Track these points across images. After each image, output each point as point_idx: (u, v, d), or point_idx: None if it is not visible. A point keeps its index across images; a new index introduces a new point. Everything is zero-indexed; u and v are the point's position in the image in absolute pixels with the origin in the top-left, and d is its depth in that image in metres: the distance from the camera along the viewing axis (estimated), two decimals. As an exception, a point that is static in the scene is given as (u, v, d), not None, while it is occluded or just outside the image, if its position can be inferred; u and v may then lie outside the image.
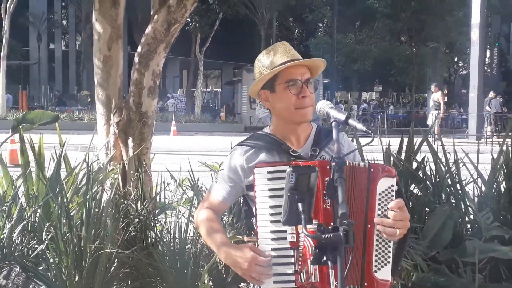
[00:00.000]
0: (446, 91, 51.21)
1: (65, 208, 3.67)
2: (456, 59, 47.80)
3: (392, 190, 2.03)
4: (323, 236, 1.80)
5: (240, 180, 2.22)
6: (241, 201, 3.72)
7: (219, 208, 2.30)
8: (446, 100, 21.94)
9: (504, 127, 22.61)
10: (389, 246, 2.05)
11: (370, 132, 2.13)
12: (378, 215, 2.01)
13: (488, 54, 36.30)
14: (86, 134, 5.14)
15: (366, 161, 2.17)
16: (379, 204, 2.02)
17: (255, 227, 2.10)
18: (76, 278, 3.60)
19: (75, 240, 3.60)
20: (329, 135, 2.30)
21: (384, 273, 2.02)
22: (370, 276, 2.00)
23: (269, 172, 2.05)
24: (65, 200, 3.71)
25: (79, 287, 3.58)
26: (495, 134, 21.71)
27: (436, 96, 21.15)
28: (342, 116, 2.03)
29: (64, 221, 3.68)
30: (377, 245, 2.02)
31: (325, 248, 1.82)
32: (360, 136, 4.44)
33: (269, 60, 2.27)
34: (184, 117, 29.61)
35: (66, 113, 28.44)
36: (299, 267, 1.98)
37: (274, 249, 2.03)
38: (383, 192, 2.03)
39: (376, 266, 2.01)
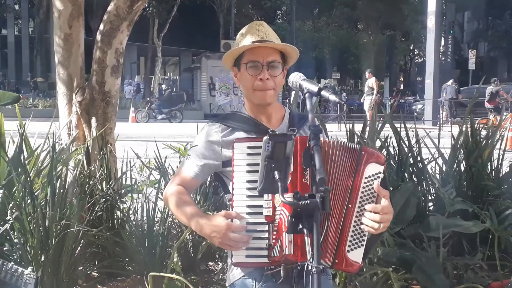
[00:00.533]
0: (402, 79, 52.14)
1: (29, 188, 3.57)
2: (411, 47, 48.57)
3: (379, 177, 2.04)
4: (300, 202, 1.80)
5: (216, 156, 2.20)
6: (209, 179, 3.69)
7: (190, 184, 2.27)
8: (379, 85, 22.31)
9: (459, 113, 23.17)
10: (363, 231, 2.05)
11: (342, 102, 2.17)
12: (361, 197, 2.02)
13: (442, 42, 37.01)
14: (42, 121, 5.00)
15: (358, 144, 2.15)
16: (363, 187, 2.02)
17: (231, 202, 2.09)
18: (42, 258, 3.52)
19: (40, 219, 3.52)
20: (303, 118, 2.33)
21: (356, 255, 2.03)
22: (342, 255, 2.00)
23: (249, 147, 2.04)
24: (28, 179, 3.61)
25: (45, 267, 3.50)
26: (450, 119, 22.23)
27: (370, 82, 21.51)
28: (315, 88, 2.03)
29: (29, 200, 3.59)
30: (354, 226, 2.02)
31: (301, 216, 1.82)
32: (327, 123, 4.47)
33: (241, 37, 2.26)
34: (142, 103, 29.24)
35: (21, 99, 27.68)
36: (273, 241, 1.98)
37: (249, 223, 2.02)
38: (370, 176, 2.03)
39: (349, 246, 2.02)
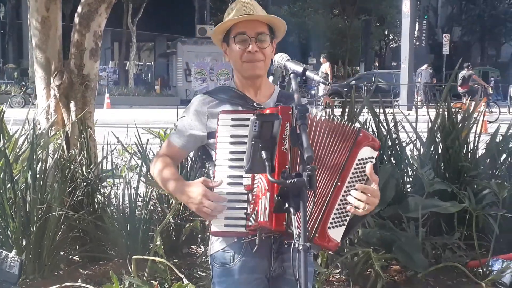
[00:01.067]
0: (377, 64, 52.43)
1: (10, 172, 3.54)
2: (386, 32, 48.83)
3: (371, 161, 2.05)
4: (287, 181, 1.81)
5: (202, 127, 2.19)
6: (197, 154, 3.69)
7: (177, 154, 2.27)
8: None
9: (433, 97, 23.43)
10: (349, 211, 2.06)
11: (327, 82, 2.17)
12: (350, 178, 2.03)
13: (417, 27, 37.28)
14: (15, 108, 4.94)
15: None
16: (354, 169, 2.03)
17: (213, 172, 2.09)
18: (24, 243, 3.50)
19: (21, 204, 3.49)
20: (290, 97, 2.29)
21: (336, 233, 2.03)
22: (323, 230, 2.01)
23: (233, 119, 2.04)
24: (8, 163, 3.57)
25: (27, 252, 3.48)
26: (425, 103, 22.47)
27: (324, 67, 21.47)
28: (299, 68, 2.04)
29: (9, 185, 3.55)
30: (339, 205, 2.03)
31: (288, 195, 1.83)
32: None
33: (228, 14, 2.25)
34: (117, 90, 28.93)
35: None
36: (251, 210, 1.99)
37: (229, 194, 2.02)
38: (362, 159, 2.04)
39: (331, 223, 2.02)
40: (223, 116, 2.07)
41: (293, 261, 1.78)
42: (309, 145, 1.80)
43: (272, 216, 1.90)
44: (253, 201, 1.98)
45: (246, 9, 2.22)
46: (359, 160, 2.03)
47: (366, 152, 2.05)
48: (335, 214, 2.03)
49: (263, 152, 1.86)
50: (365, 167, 2.03)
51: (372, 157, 2.06)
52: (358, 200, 2.01)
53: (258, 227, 1.96)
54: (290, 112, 1.98)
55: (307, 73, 2.05)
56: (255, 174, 1.98)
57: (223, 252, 2.13)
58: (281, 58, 2.13)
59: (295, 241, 1.77)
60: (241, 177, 2.01)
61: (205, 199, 1.99)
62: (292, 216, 1.84)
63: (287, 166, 1.96)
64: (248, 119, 1.90)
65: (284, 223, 1.92)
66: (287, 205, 1.84)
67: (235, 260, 2.11)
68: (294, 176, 1.83)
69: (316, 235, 2.00)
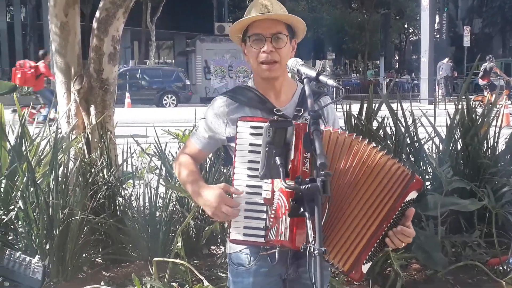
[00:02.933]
0: (397, 57, 51.99)
1: (32, 177, 3.61)
2: (406, 26, 48.37)
3: (413, 202, 2.05)
4: (301, 187, 1.83)
5: (221, 130, 2.19)
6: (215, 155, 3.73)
7: (197, 156, 2.29)
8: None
9: (454, 90, 23.21)
10: (382, 248, 2.07)
11: (341, 87, 2.14)
12: (394, 218, 2.02)
13: (437, 20, 36.86)
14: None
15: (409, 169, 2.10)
16: (399, 210, 2.01)
17: (232, 179, 2.11)
18: (47, 247, 3.57)
19: (43, 208, 3.56)
20: (316, 94, 2.27)
21: (366, 267, 2.05)
22: (359, 266, 2.01)
23: (252, 127, 2.04)
24: (31, 168, 3.65)
25: (50, 255, 3.55)
26: (446, 97, 22.26)
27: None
28: (313, 73, 2.03)
29: (32, 189, 3.63)
30: (377, 243, 2.03)
31: (302, 200, 1.85)
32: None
33: (246, 13, 2.23)
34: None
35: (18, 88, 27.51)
36: (270, 224, 2.01)
37: (248, 203, 2.04)
38: (408, 201, 2.02)
39: (366, 259, 2.03)
40: (242, 123, 2.06)
41: (308, 265, 1.80)
42: (323, 151, 1.81)
43: (294, 236, 1.92)
44: (273, 216, 1.98)
45: (263, 8, 2.20)
46: (405, 202, 2.01)
47: (412, 195, 2.02)
48: (371, 251, 2.03)
49: (277, 158, 1.88)
50: (406, 208, 2.02)
51: (413, 199, 2.04)
52: (400, 241, 2.01)
53: (278, 244, 1.97)
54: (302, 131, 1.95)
55: (321, 77, 2.03)
56: (275, 189, 1.99)
57: (240, 253, 2.16)
58: (294, 63, 2.11)
59: (311, 245, 1.79)
60: (260, 187, 2.00)
61: (222, 204, 2.01)
62: (307, 221, 1.86)
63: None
64: None
65: (304, 243, 1.91)
66: (302, 210, 1.87)
67: (251, 263, 2.14)
68: (308, 181, 1.85)
69: (353, 271, 2.01)
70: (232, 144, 2.12)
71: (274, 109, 2.18)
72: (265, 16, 2.15)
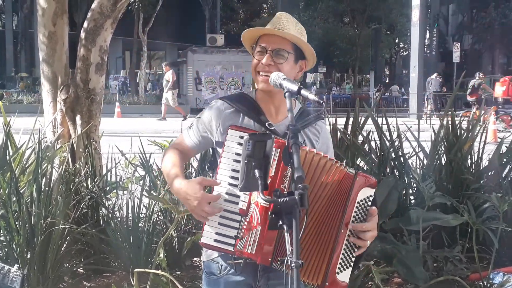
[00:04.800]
0: (387, 72, 52.33)
1: (15, 186, 3.60)
2: (397, 41, 48.76)
3: (369, 200, 2.09)
4: (279, 199, 1.85)
5: (213, 133, 2.23)
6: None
7: (186, 152, 2.31)
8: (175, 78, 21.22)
9: (443, 106, 23.35)
10: (354, 251, 2.10)
11: (322, 101, 2.16)
12: (352, 221, 2.05)
13: (427, 35, 37.19)
14: (26, 117, 5.03)
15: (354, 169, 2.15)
16: (355, 212, 2.06)
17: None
18: (28, 256, 3.56)
19: (25, 217, 3.55)
20: (307, 114, 2.32)
21: (344, 276, 2.09)
22: (333, 277, 2.05)
23: (241, 137, 2.06)
24: (14, 177, 3.64)
25: (31, 264, 3.54)
26: (434, 113, 22.41)
27: (167, 75, 21.06)
28: (294, 87, 2.06)
29: (14, 198, 3.62)
30: (344, 249, 2.07)
31: (281, 212, 1.87)
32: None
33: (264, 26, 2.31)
34: (128, 98, 29.08)
35: (5, 95, 27.41)
36: (242, 234, 2.03)
37: (224, 210, 2.05)
38: (361, 200, 2.07)
39: (339, 268, 2.07)
40: (232, 131, 2.08)
41: (285, 277, 1.81)
42: (300, 165, 1.84)
43: (260, 250, 1.95)
44: (245, 227, 2.01)
45: (277, 24, 2.25)
46: (358, 202, 2.05)
47: (365, 192, 2.07)
48: (341, 259, 2.07)
49: (256, 171, 1.89)
50: (364, 206, 2.06)
51: (370, 195, 2.08)
52: (361, 239, 2.05)
53: (244, 255, 2.00)
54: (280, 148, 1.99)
55: (302, 91, 2.06)
56: (251, 201, 2.01)
57: (211, 262, 2.19)
58: (277, 77, 2.14)
59: (288, 257, 1.81)
60: (239, 196, 2.03)
61: (204, 202, 2.01)
62: (285, 233, 1.88)
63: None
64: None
65: (270, 258, 1.96)
66: (280, 223, 1.88)
67: (221, 273, 2.17)
68: (286, 194, 1.87)
69: (327, 284, 2.05)
70: (220, 149, 2.15)
71: (267, 123, 2.21)
72: (270, 31, 2.21)
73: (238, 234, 2.01)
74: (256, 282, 2.15)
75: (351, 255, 2.08)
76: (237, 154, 2.06)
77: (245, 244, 1.97)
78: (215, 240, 2.05)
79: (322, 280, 2.03)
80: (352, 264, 2.10)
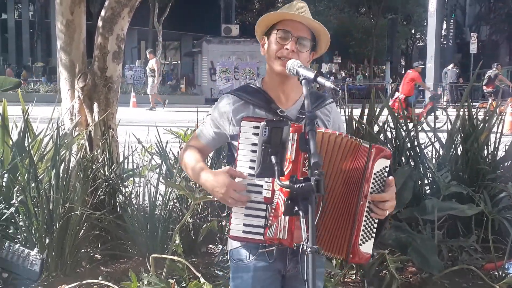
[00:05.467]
0: (403, 63, 51.92)
1: (34, 172, 3.65)
2: (413, 31, 48.31)
3: (386, 171, 2.12)
4: (295, 185, 1.87)
5: (226, 128, 2.25)
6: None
7: (203, 150, 2.35)
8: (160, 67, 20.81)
9: (459, 97, 23.16)
10: (375, 222, 2.14)
11: (338, 89, 2.18)
12: (370, 192, 2.09)
13: (444, 26, 36.83)
14: (43, 106, 5.09)
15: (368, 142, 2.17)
16: (372, 183, 2.09)
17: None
18: (47, 241, 3.61)
19: (44, 203, 3.60)
20: (319, 98, 2.34)
21: (367, 247, 2.12)
22: (356, 249, 2.09)
23: (255, 127, 2.07)
24: (33, 163, 3.69)
25: (50, 249, 3.60)
26: (450, 103, 22.24)
27: (151, 63, 20.65)
28: (311, 74, 2.07)
29: (33, 184, 3.67)
30: (365, 221, 2.10)
31: (297, 199, 1.89)
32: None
33: (280, 10, 2.29)
34: (143, 88, 29.18)
35: (22, 83, 27.63)
36: (270, 222, 2.05)
37: (249, 201, 2.07)
38: (378, 172, 2.10)
39: (361, 240, 2.10)
40: (245, 123, 2.09)
41: (301, 262, 1.84)
42: (316, 150, 1.86)
43: (292, 235, 1.97)
44: (272, 214, 2.03)
45: (299, 10, 2.25)
46: (375, 174, 2.08)
47: (381, 164, 2.09)
48: (363, 230, 2.10)
49: (272, 157, 1.92)
50: (381, 177, 2.09)
51: (386, 166, 2.11)
52: (381, 210, 2.09)
53: (276, 242, 2.02)
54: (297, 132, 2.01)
55: (319, 79, 2.08)
56: (275, 188, 2.03)
57: (240, 249, 2.21)
58: (293, 64, 2.15)
59: (304, 243, 1.83)
60: (261, 186, 2.05)
61: (231, 189, 2.04)
62: (301, 219, 1.90)
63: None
64: None
65: (303, 239, 1.99)
66: (296, 209, 1.90)
67: (250, 258, 2.18)
68: (302, 180, 1.89)
69: (351, 255, 2.09)
70: (235, 142, 2.17)
71: (278, 110, 2.22)
72: (300, 17, 2.21)
73: (266, 222, 2.04)
74: (285, 266, 2.18)
75: (372, 227, 2.12)
76: (254, 144, 2.07)
77: (275, 231, 1.99)
78: (244, 232, 2.07)
79: (346, 253, 2.08)
80: (374, 235, 2.13)
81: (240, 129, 2.10)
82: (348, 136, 2.08)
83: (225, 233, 4.14)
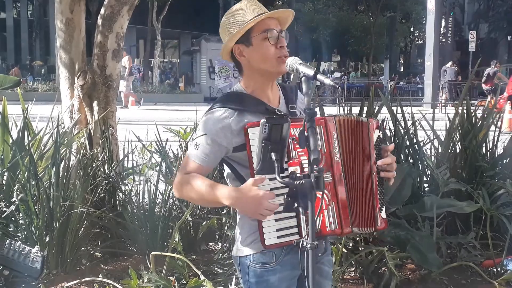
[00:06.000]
0: (402, 61, 51.96)
1: (34, 170, 3.66)
2: (412, 29, 48.36)
3: (380, 139, 2.20)
4: (295, 182, 1.87)
5: (227, 143, 2.11)
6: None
7: (201, 172, 2.18)
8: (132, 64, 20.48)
9: (458, 95, 23.18)
10: (383, 190, 2.22)
11: (338, 86, 2.17)
12: (374, 161, 2.16)
13: (443, 24, 36.82)
14: (41, 105, 5.09)
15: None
16: (374, 154, 2.17)
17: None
18: (47, 239, 3.62)
19: (44, 201, 3.61)
20: (291, 90, 2.33)
21: (383, 213, 2.20)
22: (379, 217, 2.17)
23: None
24: (33, 161, 3.71)
25: (50, 247, 3.61)
26: (449, 102, 22.25)
27: (123, 61, 20.47)
28: (311, 72, 2.06)
29: (33, 182, 3.68)
30: (378, 189, 2.18)
31: (297, 195, 1.90)
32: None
33: (241, 16, 2.18)
34: (141, 87, 29.17)
35: (22, 81, 27.56)
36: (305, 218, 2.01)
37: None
38: (375, 142, 2.18)
39: (379, 208, 2.18)
40: (252, 129, 2.04)
41: (301, 260, 1.85)
42: (317, 147, 1.86)
43: (340, 222, 2.02)
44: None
45: (260, 8, 2.19)
46: (374, 144, 2.17)
47: (376, 134, 2.18)
48: (379, 199, 2.18)
49: (272, 154, 1.93)
50: (378, 146, 2.18)
51: (379, 136, 2.20)
52: (389, 172, 2.17)
53: (328, 234, 2.06)
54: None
55: (318, 76, 2.06)
56: None
57: (262, 253, 2.11)
58: (293, 62, 2.13)
59: (304, 239, 1.84)
60: (284, 187, 1.99)
61: (265, 201, 1.97)
62: (301, 216, 1.92)
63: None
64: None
65: (350, 226, 2.05)
66: (296, 205, 1.91)
67: (277, 259, 2.12)
68: (302, 177, 1.89)
69: (378, 225, 2.17)
70: (238, 154, 2.12)
71: (276, 109, 2.16)
72: (275, 13, 2.19)
73: (301, 221, 2.01)
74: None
75: (382, 193, 2.20)
76: None
77: (322, 226, 2.00)
78: (279, 237, 2.04)
79: (374, 223, 2.15)
80: (384, 202, 2.21)
81: (248, 137, 2.04)
82: (353, 116, 2.18)
83: (224, 232, 4.15)
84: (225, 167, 2.24)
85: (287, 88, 2.34)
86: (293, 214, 2.03)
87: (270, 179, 2.03)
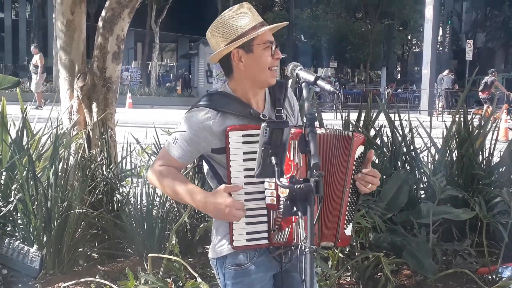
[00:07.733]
0: (399, 68, 52.06)
1: (32, 170, 3.67)
2: (409, 37, 48.49)
3: (362, 156, 2.20)
4: (295, 186, 1.89)
5: (206, 143, 2.12)
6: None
7: (177, 167, 2.21)
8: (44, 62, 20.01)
9: (455, 103, 23.25)
10: (355, 207, 2.22)
11: (337, 92, 2.21)
12: (352, 178, 2.16)
13: (440, 32, 36.96)
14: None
15: (348, 131, 2.24)
16: (353, 170, 2.17)
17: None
18: (45, 239, 3.63)
19: (42, 201, 3.62)
20: (281, 90, 2.30)
21: (349, 230, 2.21)
22: (342, 233, 2.18)
23: (244, 135, 2.07)
24: (31, 162, 3.71)
25: (47, 247, 3.61)
26: (446, 110, 22.31)
27: (35, 59, 19.93)
28: (311, 77, 2.09)
29: (31, 182, 3.69)
30: (347, 206, 2.18)
31: (296, 199, 1.92)
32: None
33: (243, 21, 2.15)
34: (139, 90, 29.17)
35: (21, 82, 27.50)
36: (277, 227, 2.07)
37: (248, 209, 2.07)
38: (358, 158, 2.18)
39: (345, 224, 2.18)
40: (233, 133, 2.06)
41: (299, 262, 1.87)
42: (317, 152, 1.89)
43: (293, 233, 2.04)
44: (280, 219, 2.05)
45: (259, 17, 2.23)
46: (355, 160, 2.17)
47: (359, 150, 2.19)
48: (346, 215, 2.19)
49: (272, 158, 1.94)
50: (359, 161, 2.19)
51: (362, 152, 2.21)
52: (369, 183, 2.18)
53: (285, 242, 2.07)
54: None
55: (319, 82, 2.09)
56: (280, 194, 2.04)
57: (235, 254, 2.15)
58: (293, 67, 2.17)
59: (302, 243, 1.86)
60: (259, 192, 2.07)
61: (234, 209, 2.03)
62: (300, 220, 1.94)
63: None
64: (258, 135, 1.93)
65: (317, 240, 2.07)
66: (295, 209, 1.94)
67: (250, 261, 2.15)
68: (302, 181, 1.92)
69: (339, 240, 2.19)
70: (217, 156, 2.13)
71: (260, 115, 2.16)
72: (279, 26, 2.23)
73: (272, 227, 2.06)
74: (281, 263, 2.18)
75: (352, 210, 2.21)
76: (245, 153, 2.07)
77: (289, 235, 2.04)
78: (248, 240, 2.09)
79: (335, 238, 2.17)
80: (352, 219, 2.23)
81: (228, 140, 2.06)
82: (337, 131, 2.17)
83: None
84: (204, 163, 2.26)
85: (276, 87, 2.29)
86: (265, 219, 2.08)
87: (246, 183, 2.08)
